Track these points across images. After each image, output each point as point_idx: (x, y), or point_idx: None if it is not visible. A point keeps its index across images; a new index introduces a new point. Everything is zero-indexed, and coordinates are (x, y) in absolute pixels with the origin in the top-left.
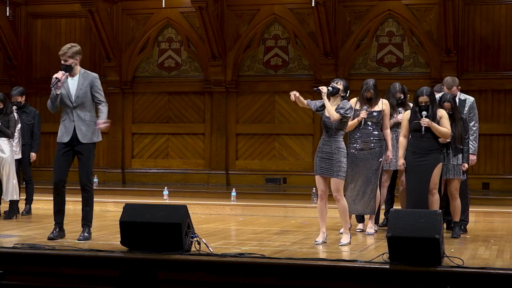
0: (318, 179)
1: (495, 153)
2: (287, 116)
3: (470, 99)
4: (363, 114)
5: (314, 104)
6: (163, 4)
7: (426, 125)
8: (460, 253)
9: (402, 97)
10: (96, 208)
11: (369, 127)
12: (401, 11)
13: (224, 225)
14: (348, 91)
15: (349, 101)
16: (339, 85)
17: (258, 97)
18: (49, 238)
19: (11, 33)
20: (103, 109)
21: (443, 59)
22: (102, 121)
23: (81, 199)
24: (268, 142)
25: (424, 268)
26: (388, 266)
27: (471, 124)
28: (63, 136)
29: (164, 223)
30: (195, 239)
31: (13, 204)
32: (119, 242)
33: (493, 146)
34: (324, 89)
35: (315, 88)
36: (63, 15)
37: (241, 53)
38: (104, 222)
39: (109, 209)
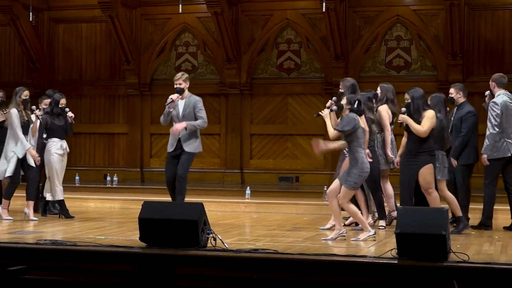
0: (335, 180)
1: None
2: (299, 117)
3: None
4: (328, 104)
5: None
6: (180, 10)
7: (401, 121)
8: (466, 249)
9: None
10: (116, 205)
11: None
12: (409, 16)
13: (239, 222)
14: (356, 103)
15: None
16: (343, 101)
17: (272, 99)
18: None
19: (34, 37)
20: (197, 121)
21: (449, 63)
22: (180, 124)
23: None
24: (281, 142)
25: (431, 263)
26: (396, 262)
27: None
28: (169, 146)
29: (181, 220)
30: (211, 235)
31: (60, 203)
32: (138, 238)
33: None
34: (325, 111)
35: (314, 115)
36: (84, 20)
37: (255, 57)
38: (124, 219)
39: (128, 207)
